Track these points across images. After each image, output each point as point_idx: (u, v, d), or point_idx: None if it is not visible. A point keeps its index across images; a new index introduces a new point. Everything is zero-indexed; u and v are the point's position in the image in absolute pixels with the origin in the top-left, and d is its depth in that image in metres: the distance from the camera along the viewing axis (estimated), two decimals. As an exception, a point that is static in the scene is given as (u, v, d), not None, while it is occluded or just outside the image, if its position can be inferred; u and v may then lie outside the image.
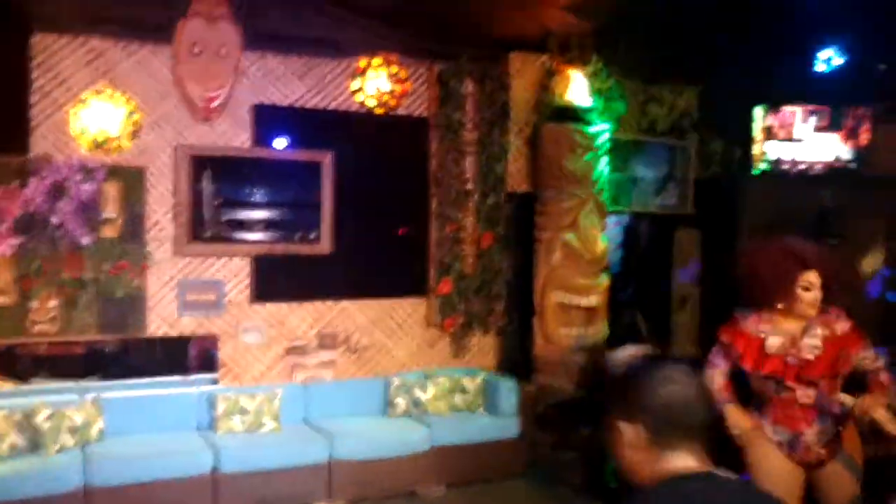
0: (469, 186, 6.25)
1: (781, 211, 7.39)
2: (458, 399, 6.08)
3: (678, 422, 1.50)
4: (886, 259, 7.53)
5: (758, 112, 7.32)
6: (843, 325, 3.53)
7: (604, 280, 6.29)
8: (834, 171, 7.42)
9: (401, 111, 5.83)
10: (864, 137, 7.37)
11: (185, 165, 5.49)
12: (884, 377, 3.51)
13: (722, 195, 7.18)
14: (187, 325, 5.62)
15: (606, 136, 6.32)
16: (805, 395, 3.47)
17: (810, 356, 3.47)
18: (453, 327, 6.32)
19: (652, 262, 7.42)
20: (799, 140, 7.46)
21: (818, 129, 7.40)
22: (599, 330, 6.24)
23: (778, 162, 7.38)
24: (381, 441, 5.47)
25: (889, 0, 5.86)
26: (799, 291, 3.48)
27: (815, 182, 7.54)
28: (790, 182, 7.44)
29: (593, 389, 5.90)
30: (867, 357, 3.53)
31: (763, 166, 7.35)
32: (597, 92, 6.43)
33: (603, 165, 6.31)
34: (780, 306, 3.54)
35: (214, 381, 5.69)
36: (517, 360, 6.50)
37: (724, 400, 3.63)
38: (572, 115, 6.23)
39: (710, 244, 7.20)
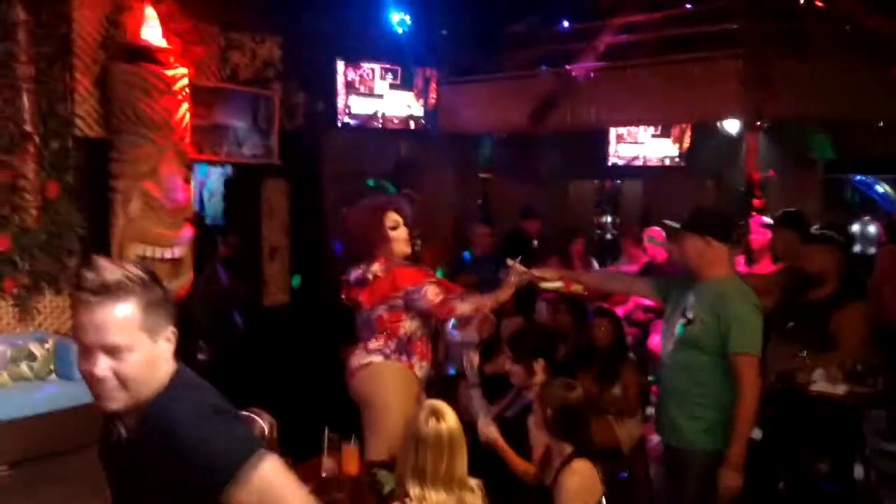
0: (27, 129, 5.52)
1: (363, 162, 7.87)
2: (24, 368, 5.42)
3: None
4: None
5: (339, 65, 7.64)
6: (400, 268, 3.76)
7: (188, 230, 6.06)
8: (408, 126, 8.10)
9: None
10: (432, 97, 8.14)
11: None
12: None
13: (306, 146, 7.38)
14: None
15: (185, 80, 6.05)
16: None
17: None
18: (15, 289, 5.59)
19: (241, 212, 7.38)
20: (379, 95, 7.98)
21: (393, 86, 7.99)
22: (186, 283, 6.01)
23: (359, 115, 7.82)
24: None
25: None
26: (389, 232, 3.66)
27: (393, 136, 8.16)
28: (370, 135, 7.94)
29: (180, 345, 5.69)
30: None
31: (345, 119, 7.72)
32: (173, 33, 6.10)
33: (183, 111, 6.03)
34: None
35: None
36: (96, 320, 5.99)
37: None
38: (146, 55, 5.82)
39: (298, 195, 7.39)
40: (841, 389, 3.38)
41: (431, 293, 3.48)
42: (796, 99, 5.93)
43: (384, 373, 3.58)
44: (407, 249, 3.73)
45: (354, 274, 3.70)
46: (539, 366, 3.59)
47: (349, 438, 3.24)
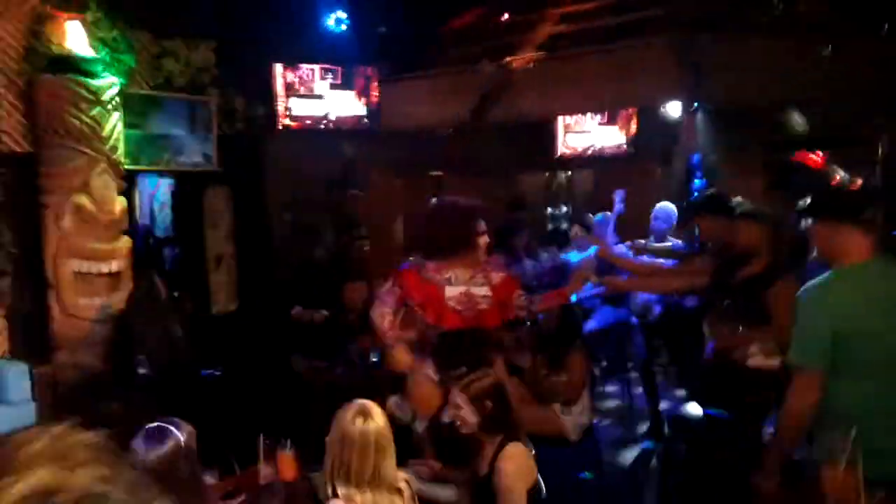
0: (-51, 147, 5.35)
1: (306, 165, 7.78)
2: (-42, 394, 5.25)
3: None
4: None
5: (277, 68, 7.53)
6: (498, 274, 3.79)
7: (125, 243, 5.92)
8: (352, 127, 8.01)
9: None
10: (374, 95, 8.06)
11: None
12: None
13: (247, 152, 7.27)
14: None
15: (116, 90, 5.91)
16: None
17: (485, 306, 3.64)
18: (-54, 313, 5.41)
19: (183, 221, 7.24)
20: (319, 96, 7.88)
21: (334, 86, 7.90)
22: (125, 296, 5.87)
23: (300, 118, 7.72)
24: None
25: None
26: (478, 239, 3.68)
27: (336, 137, 8.07)
28: (313, 137, 7.84)
29: (121, 360, 5.57)
30: (519, 299, 3.80)
31: (286, 122, 7.62)
32: (100, 42, 5.95)
33: (115, 121, 5.89)
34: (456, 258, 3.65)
35: None
36: (35, 340, 5.83)
37: (393, 338, 3.64)
38: (73, 65, 5.67)
39: (241, 201, 7.27)
40: (776, 361, 3.39)
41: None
42: (730, 81, 5.97)
43: None
44: (485, 258, 3.80)
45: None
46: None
47: (284, 445, 3.17)
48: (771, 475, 2.75)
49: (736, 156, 6.82)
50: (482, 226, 3.77)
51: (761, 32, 5.84)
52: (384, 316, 3.66)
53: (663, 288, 4.46)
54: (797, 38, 5.70)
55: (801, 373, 2.73)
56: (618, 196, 6.37)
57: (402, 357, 3.65)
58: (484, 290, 3.67)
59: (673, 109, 7.57)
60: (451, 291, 3.64)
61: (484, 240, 3.76)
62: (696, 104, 6.60)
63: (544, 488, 2.88)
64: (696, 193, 6.23)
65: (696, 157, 6.71)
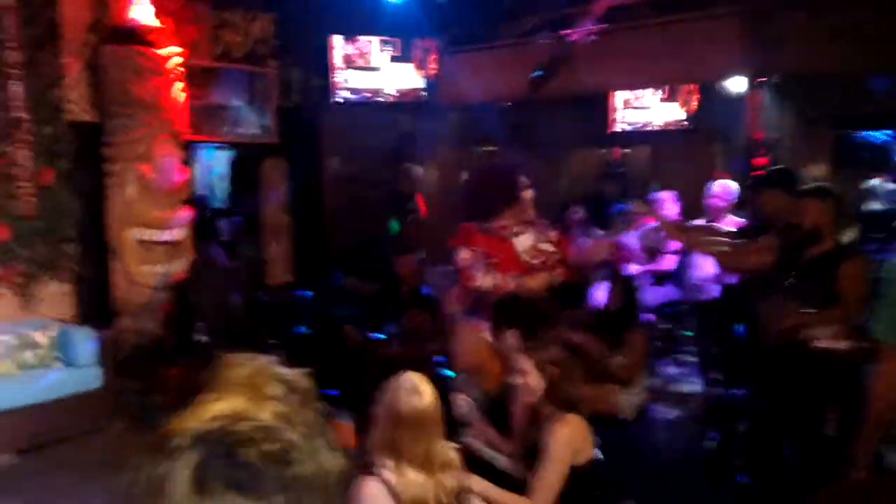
0: (19, 115, 5.48)
1: (362, 138, 7.78)
2: (28, 355, 5.42)
3: None
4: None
5: (335, 40, 7.52)
6: (553, 232, 3.86)
7: (186, 212, 6.02)
8: (410, 100, 7.98)
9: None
10: (433, 68, 8.00)
11: None
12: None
13: (304, 123, 7.29)
14: None
15: (178, 60, 5.98)
16: None
17: (555, 259, 3.72)
18: (15, 277, 5.58)
19: (241, 192, 7.33)
20: (377, 69, 7.86)
21: (392, 58, 7.87)
22: (185, 264, 5.98)
23: (358, 90, 7.71)
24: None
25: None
26: (524, 193, 3.74)
27: (392, 110, 8.04)
28: (370, 109, 7.83)
29: (180, 327, 5.68)
30: None
31: (343, 94, 7.62)
32: (164, 13, 6.02)
33: (176, 92, 5.97)
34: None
35: None
36: (98, 305, 5.99)
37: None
38: (136, 36, 5.76)
39: (297, 173, 7.32)
40: (844, 344, 3.27)
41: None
42: (800, 53, 5.74)
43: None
44: (533, 212, 3.83)
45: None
46: (513, 336, 3.44)
47: (342, 413, 3.19)
48: (861, 465, 2.61)
49: (803, 132, 6.59)
50: (525, 180, 3.81)
51: (833, 2, 5.60)
52: (478, 278, 3.68)
53: (737, 263, 4.25)
54: (872, 8, 5.45)
55: (892, 351, 2.58)
56: (663, 197, 6.18)
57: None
58: (549, 246, 3.74)
59: (736, 84, 7.33)
60: (520, 245, 3.71)
61: (529, 193, 3.80)
62: (762, 78, 6.36)
63: (601, 463, 2.83)
64: (759, 170, 6.04)
65: (761, 134, 6.49)
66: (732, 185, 5.82)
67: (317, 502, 0.75)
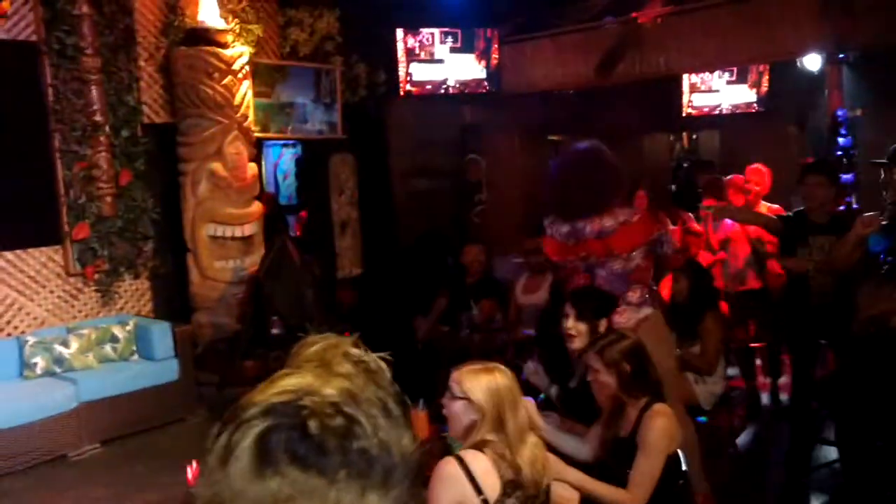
0: (98, 119, 5.66)
1: (428, 130, 7.79)
2: (109, 350, 5.60)
3: None
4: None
5: (399, 34, 7.54)
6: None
7: (256, 207, 6.13)
8: (473, 90, 7.94)
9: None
10: (495, 58, 7.95)
11: None
12: None
13: (370, 118, 7.34)
14: None
15: (245, 59, 6.09)
16: None
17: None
18: (97, 274, 5.78)
19: (310, 188, 7.43)
20: (440, 61, 7.85)
21: (454, 49, 7.84)
22: (257, 260, 6.09)
23: (421, 83, 7.72)
24: (15, 407, 4.87)
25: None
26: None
27: (456, 101, 8.03)
28: (434, 102, 7.83)
29: (255, 321, 5.79)
30: None
31: (408, 88, 7.64)
32: (230, 13, 6.14)
33: (245, 90, 6.08)
34: None
35: None
36: (175, 300, 6.16)
37: None
38: (206, 37, 5.89)
39: (364, 167, 7.38)
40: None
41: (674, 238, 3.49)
42: (881, 25, 5.48)
43: (659, 322, 3.58)
44: None
45: (590, 227, 3.56)
46: (603, 326, 3.39)
47: (417, 404, 3.19)
48: None
49: (886, 110, 6.31)
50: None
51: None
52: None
53: (844, 262, 3.94)
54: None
55: None
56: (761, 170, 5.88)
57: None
58: (619, 220, 3.57)
59: (811, 62, 7.06)
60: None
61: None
62: (841, 54, 6.10)
63: (684, 461, 2.76)
64: (840, 153, 5.79)
65: (840, 114, 6.22)
66: (765, 170, 5.53)
67: (378, 481, 0.74)
